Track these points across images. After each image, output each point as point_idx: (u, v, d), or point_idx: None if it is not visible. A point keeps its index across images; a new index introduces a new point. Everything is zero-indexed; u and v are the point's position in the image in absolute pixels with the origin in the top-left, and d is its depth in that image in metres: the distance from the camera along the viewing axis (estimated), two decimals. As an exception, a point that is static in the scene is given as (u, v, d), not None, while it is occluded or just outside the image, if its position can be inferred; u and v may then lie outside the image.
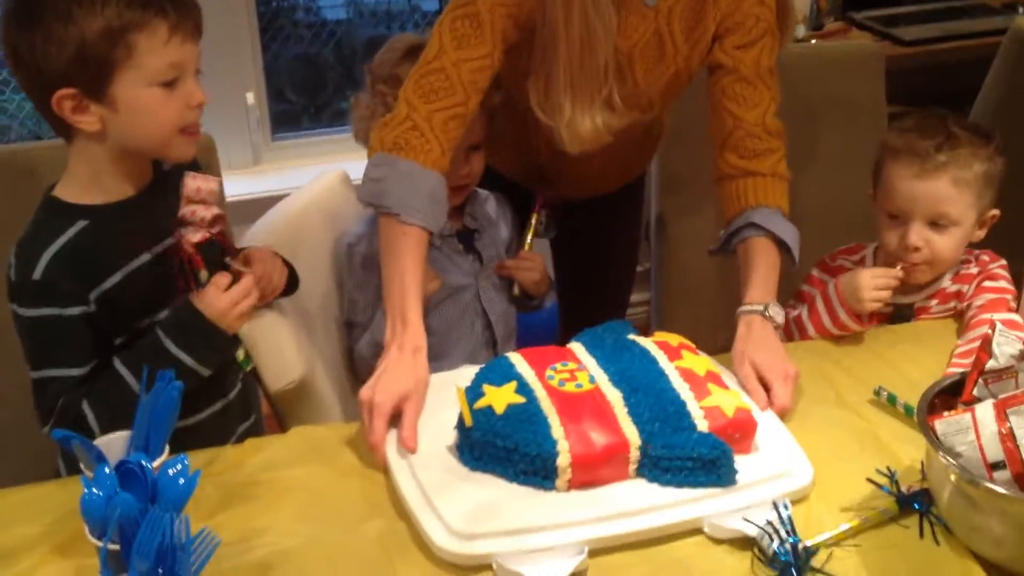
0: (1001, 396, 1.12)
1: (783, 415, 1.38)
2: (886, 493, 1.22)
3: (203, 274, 1.31)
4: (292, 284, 1.52)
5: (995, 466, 1.09)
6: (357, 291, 1.72)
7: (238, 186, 2.64)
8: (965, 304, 1.62)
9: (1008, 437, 1.09)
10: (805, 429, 1.35)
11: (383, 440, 1.29)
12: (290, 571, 1.15)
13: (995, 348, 1.19)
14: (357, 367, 1.74)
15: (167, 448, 1.18)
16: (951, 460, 1.10)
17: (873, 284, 1.56)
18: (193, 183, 1.29)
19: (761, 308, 1.49)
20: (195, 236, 1.29)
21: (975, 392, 1.18)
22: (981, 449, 1.10)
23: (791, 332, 1.64)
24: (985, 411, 1.11)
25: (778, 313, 1.50)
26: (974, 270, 1.63)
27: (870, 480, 1.26)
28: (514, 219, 1.87)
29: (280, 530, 1.21)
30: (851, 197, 1.89)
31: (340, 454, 1.34)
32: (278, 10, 3.00)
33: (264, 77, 2.82)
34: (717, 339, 1.57)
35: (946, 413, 1.15)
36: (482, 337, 1.78)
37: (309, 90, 3.12)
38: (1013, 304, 1.59)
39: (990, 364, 1.18)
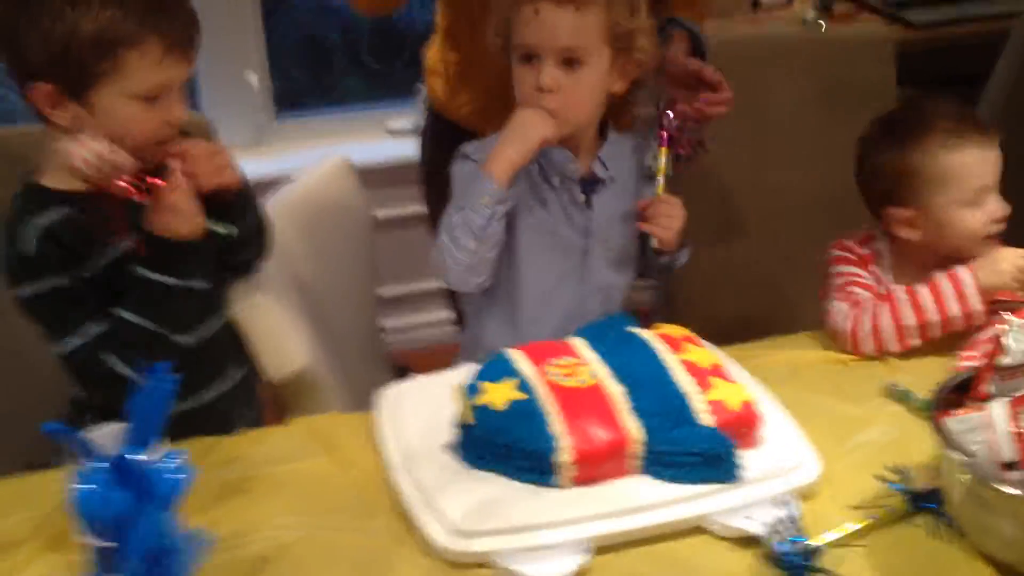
0: (1015, 394, 1.10)
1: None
2: (897, 491, 1.20)
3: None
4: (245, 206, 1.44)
5: (1009, 466, 1.06)
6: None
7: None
8: None
9: (1021, 437, 1.06)
10: (814, 424, 1.31)
11: None
12: (285, 567, 1.13)
13: (1009, 343, 1.16)
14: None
15: (162, 441, 1.16)
16: (962, 459, 1.07)
17: (1014, 255, 1.47)
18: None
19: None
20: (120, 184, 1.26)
21: (988, 388, 1.15)
22: (994, 448, 1.07)
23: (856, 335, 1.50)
24: (999, 409, 1.08)
25: None
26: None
27: (880, 477, 1.23)
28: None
29: (276, 524, 1.19)
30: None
31: (341, 446, 1.32)
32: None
33: (267, 55, 2.78)
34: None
35: (958, 411, 1.12)
36: (578, 308, 1.53)
37: (315, 68, 3.08)
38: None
39: (1003, 360, 1.15)
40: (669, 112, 1.53)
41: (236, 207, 1.39)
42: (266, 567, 1.13)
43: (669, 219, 1.50)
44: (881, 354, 1.50)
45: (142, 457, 1.06)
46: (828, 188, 2.10)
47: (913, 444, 1.29)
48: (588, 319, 1.49)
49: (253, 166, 2.64)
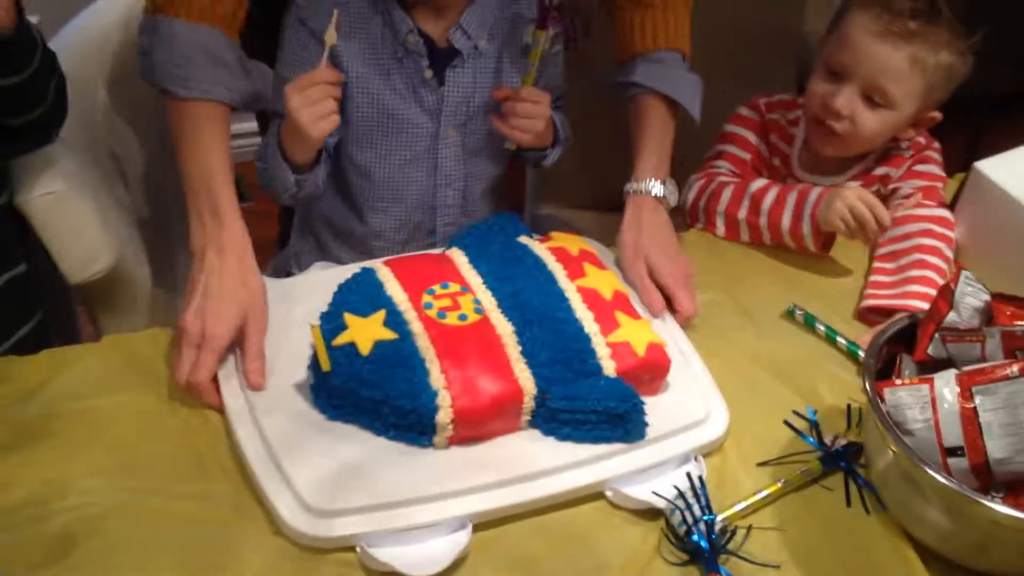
0: (966, 368, 0.96)
1: (685, 323, 1.21)
2: (807, 443, 1.07)
3: None
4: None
5: (951, 452, 0.93)
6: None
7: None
8: (890, 188, 1.44)
9: (970, 418, 0.93)
10: (716, 353, 1.16)
11: (210, 377, 1.03)
12: (96, 548, 0.92)
13: (957, 298, 1.01)
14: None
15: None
16: (900, 442, 0.93)
17: (857, 196, 1.31)
18: None
19: (652, 187, 1.28)
20: None
21: (930, 350, 1.01)
22: (937, 430, 0.94)
23: (699, 213, 1.42)
24: (945, 384, 0.94)
25: (672, 193, 1.30)
26: (907, 153, 1.44)
27: (788, 424, 1.10)
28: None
29: (85, 488, 0.97)
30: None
31: (168, 375, 1.08)
32: None
33: None
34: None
35: (898, 381, 0.98)
36: (429, 200, 1.32)
37: None
38: (943, 194, 1.42)
39: (950, 318, 1.00)
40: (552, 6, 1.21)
41: (10, 51, 1.06)
42: (71, 550, 0.91)
43: (528, 120, 1.23)
44: (711, 232, 1.41)
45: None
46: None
47: (821, 380, 1.17)
48: (444, 212, 1.32)
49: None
